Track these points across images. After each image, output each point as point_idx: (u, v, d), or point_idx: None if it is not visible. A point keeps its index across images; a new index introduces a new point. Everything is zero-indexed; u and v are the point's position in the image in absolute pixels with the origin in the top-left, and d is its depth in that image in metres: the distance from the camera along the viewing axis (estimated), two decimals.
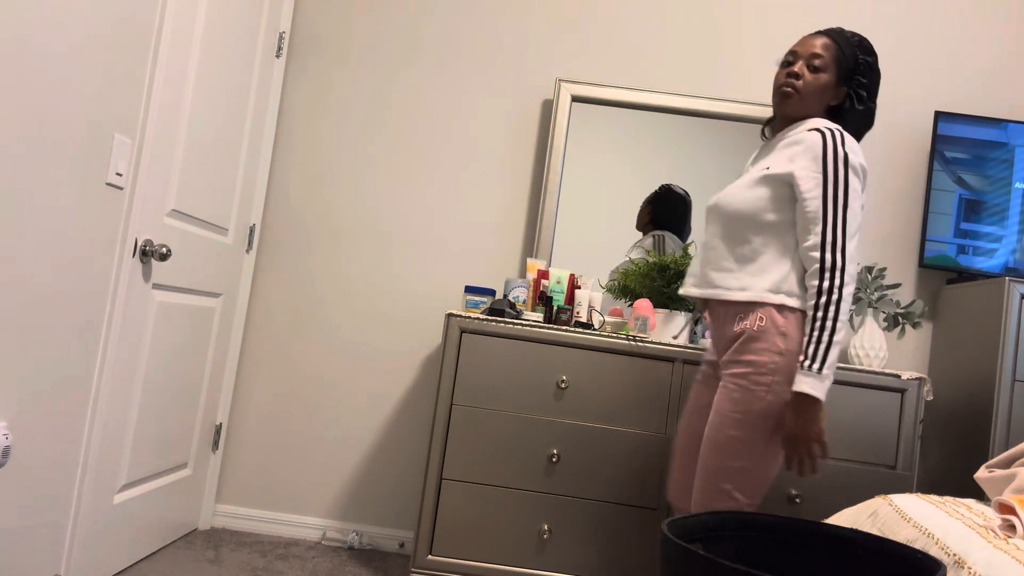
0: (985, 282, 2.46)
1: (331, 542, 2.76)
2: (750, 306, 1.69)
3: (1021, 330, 2.31)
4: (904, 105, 2.83)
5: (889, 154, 2.82)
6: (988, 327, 2.38)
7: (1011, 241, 2.59)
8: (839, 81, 1.76)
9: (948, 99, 2.82)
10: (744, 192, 1.73)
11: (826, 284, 1.60)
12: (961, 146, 2.64)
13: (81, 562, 2.00)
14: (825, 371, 1.57)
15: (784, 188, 1.68)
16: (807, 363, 1.58)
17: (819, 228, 1.63)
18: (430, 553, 2.28)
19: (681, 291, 1.89)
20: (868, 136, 2.82)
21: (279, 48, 2.82)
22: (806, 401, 1.58)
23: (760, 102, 2.79)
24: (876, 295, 2.48)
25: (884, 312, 2.48)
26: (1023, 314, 2.31)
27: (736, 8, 2.87)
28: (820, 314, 1.60)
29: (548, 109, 2.87)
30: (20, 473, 1.74)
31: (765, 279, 1.68)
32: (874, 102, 1.80)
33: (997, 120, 2.64)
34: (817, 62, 1.74)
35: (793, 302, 1.66)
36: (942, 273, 2.75)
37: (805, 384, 1.58)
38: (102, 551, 2.10)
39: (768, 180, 1.70)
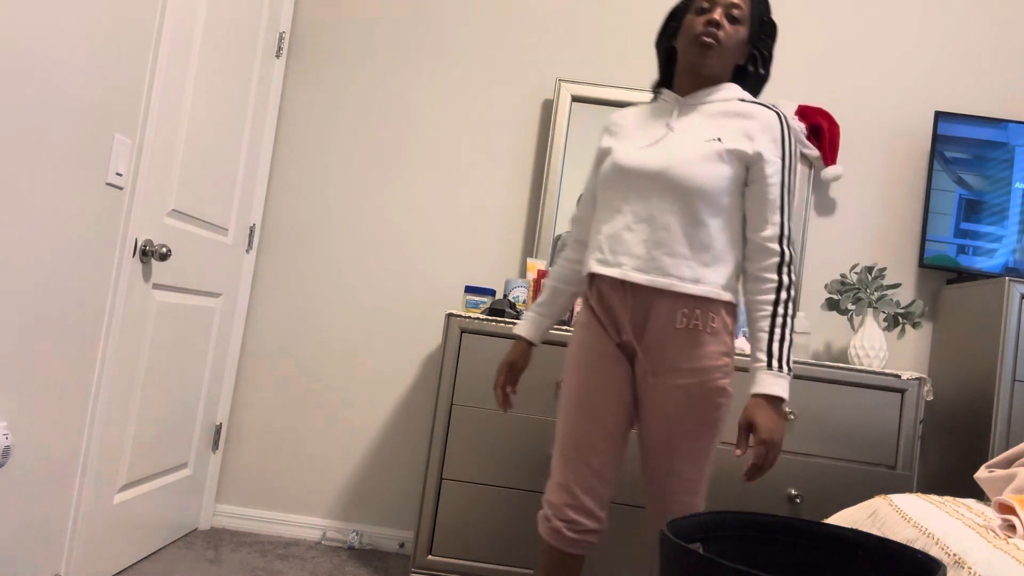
0: (985, 282, 2.46)
1: (331, 542, 2.76)
2: (701, 302, 1.53)
3: (1021, 330, 2.31)
4: (904, 105, 2.83)
5: (889, 154, 2.82)
6: (988, 327, 2.38)
7: (1011, 241, 2.59)
8: (749, 38, 1.61)
9: (948, 99, 2.82)
10: (706, 166, 1.52)
11: (785, 279, 1.51)
12: (961, 146, 2.64)
13: (81, 562, 2.00)
14: (790, 371, 1.49)
15: (740, 168, 1.54)
16: (775, 363, 1.47)
17: (777, 218, 1.53)
18: (430, 553, 2.28)
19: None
20: (868, 136, 2.82)
21: (279, 48, 2.82)
22: (779, 404, 1.47)
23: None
24: (876, 295, 2.48)
25: (884, 312, 2.48)
26: (1023, 314, 2.31)
27: None
28: (782, 310, 1.50)
29: (548, 109, 2.87)
30: (20, 473, 1.74)
31: (717, 272, 1.54)
32: (770, 69, 1.69)
33: (997, 120, 2.64)
34: (736, 12, 1.57)
35: (735, 299, 1.57)
36: (942, 273, 2.76)
37: (777, 386, 1.46)
38: (102, 551, 2.10)
39: (730, 156, 1.53)
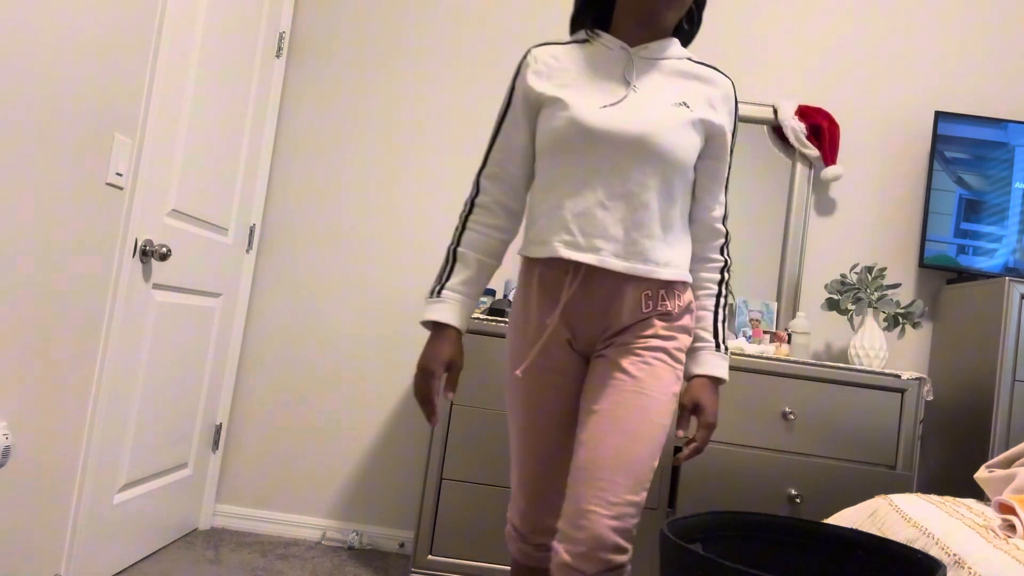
0: (985, 282, 2.46)
1: (331, 542, 2.76)
2: (664, 283, 1.36)
3: (1021, 330, 2.31)
4: (904, 105, 2.83)
5: (889, 154, 2.82)
6: (988, 327, 2.38)
7: (1011, 241, 2.59)
8: None
9: (948, 99, 2.82)
10: (683, 135, 1.34)
11: (728, 259, 1.46)
12: (961, 146, 2.64)
13: (81, 562, 2.00)
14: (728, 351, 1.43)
15: (703, 140, 1.39)
16: (722, 344, 1.41)
17: (724, 197, 1.45)
18: (430, 553, 2.28)
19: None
20: (868, 136, 2.82)
21: (279, 48, 2.82)
22: (720, 385, 1.42)
23: (760, 102, 2.79)
24: (876, 295, 2.48)
25: (884, 312, 2.48)
26: (1023, 314, 2.31)
27: (734, 8, 2.87)
28: (724, 290, 1.45)
29: None
30: (20, 473, 1.74)
31: (681, 253, 1.40)
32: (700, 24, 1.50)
33: (997, 120, 2.64)
34: None
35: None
36: (942, 273, 2.75)
37: (723, 368, 1.40)
38: (102, 551, 2.10)
39: (699, 126, 1.37)
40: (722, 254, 1.45)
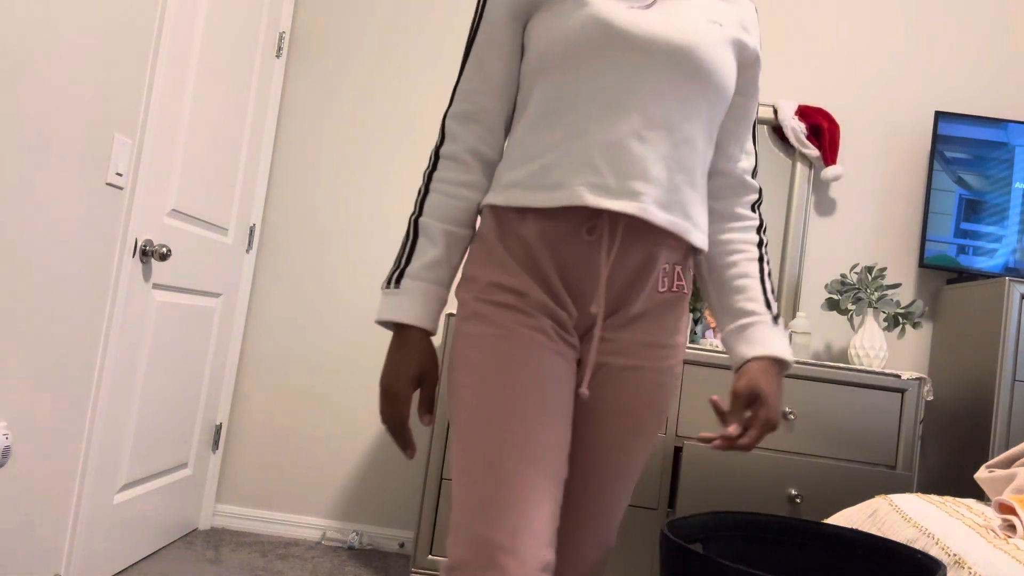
0: (985, 282, 2.46)
1: (331, 542, 2.76)
2: (683, 253, 1.09)
3: (1021, 330, 2.31)
4: (904, 105, 2.83)
5: (889, 154, 2.82)
6: (988, 327, 2.38)
7: (1011, 241, 2.59)
8: None
9: (948, 99, 2.82)
10: (727, 57, 1.06)
11: (764, 222, 1.19)
12: (961, 146, 2.64)
13: (81, 562, 2.00)
14: None
15: (736, 67, 1.11)
16: (779, 316, 1.14)
17: (752, 146, 1.19)
18: (430, 553, 2.28)
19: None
20: (868, 136, 2.82)
21: (279, 48, 2.82)
22: (783, 371, 1.13)
23: (760, 102, 2.79)
24: (876, 295, 2.48)
25: (884, 312, 2.48)
26: (1023, 314, 2.31)
27: None
28: (767, 254, 1.17)
29: None
30: (20, 473, 1.74)
31: (705, 211, 1.11)
32: None
33: (997, 120, 2.64)
34: None
35: None
36: (942, 273, 2.76)
37: (784, 347, 1.12)
38: (102, 551, 2.10)
39: (734, 50, 1.09)
40: (755, 211, 1.18)
